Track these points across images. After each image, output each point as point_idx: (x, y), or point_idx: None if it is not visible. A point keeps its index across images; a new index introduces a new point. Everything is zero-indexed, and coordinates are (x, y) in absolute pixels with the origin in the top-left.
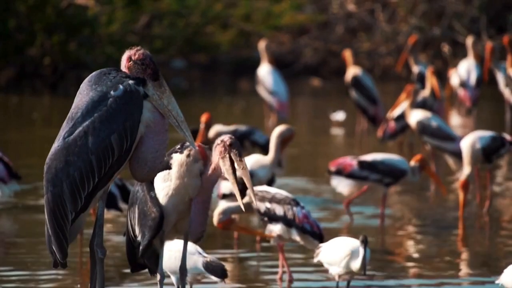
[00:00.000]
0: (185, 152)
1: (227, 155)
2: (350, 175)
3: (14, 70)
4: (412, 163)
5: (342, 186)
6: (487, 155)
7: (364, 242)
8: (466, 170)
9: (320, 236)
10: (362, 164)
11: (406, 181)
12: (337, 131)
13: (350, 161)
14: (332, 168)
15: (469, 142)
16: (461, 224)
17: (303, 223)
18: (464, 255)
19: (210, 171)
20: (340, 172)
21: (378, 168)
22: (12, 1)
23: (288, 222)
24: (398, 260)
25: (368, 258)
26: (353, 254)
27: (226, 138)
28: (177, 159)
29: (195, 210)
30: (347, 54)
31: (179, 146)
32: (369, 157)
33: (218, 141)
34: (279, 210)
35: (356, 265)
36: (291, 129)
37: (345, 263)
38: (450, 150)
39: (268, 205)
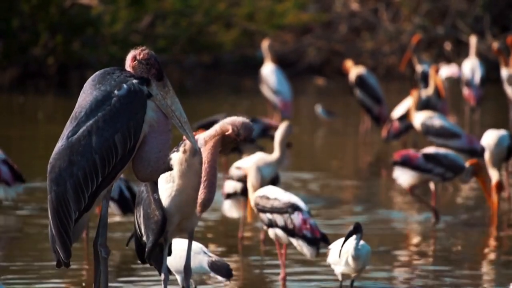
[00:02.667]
0: (180, 148)
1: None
2: (415, 167)
3: (17, 69)
4: (467, 164)
5: (405, 177)
6: (509, 153)
7: (353, 230)
8: (495, 173)
9: (323, 240)
10: (428, 157)
11: (458, 179)
12: (340, 131)
13: (415, 153)
14: (398, 158)
15: (493, 142)
16: (494, 225)
17: (303, 230)
18: (489, 257)
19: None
20: (405, 163)
21: (442, 162)
22: (15, 1)
23: (289, 232)
24: (414, 262)
25: (365, 251)
26: (363, 244)
27: (242, 133)
28: (176, 158)
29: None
30: (348, 64)
31: (176, 146)
32: (432, 150)
33: (233, 128)
34: (279, 220)
35: (349, 261)
36: (290, 125)
37: (345, 260)
38: (456, 147)
39: (269, 216)
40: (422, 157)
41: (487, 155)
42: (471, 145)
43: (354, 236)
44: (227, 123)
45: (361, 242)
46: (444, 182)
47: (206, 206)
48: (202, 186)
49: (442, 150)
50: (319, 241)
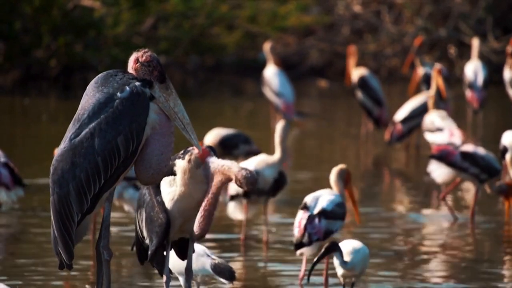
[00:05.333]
0: (186, 157)
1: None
2: (451, 164)
3: (20, 72)
4: (502, 182)
5: (439, 172)
6: None
7: (324, 251)
8: None
9: (301, 243)
10: (465, 155)
11: (488, 182)
12: (342, 133)
13: (453, 150)
14: (436, 152)
15: None
16: None
17: (295, 228)
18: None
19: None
20: (442, 158)
21: (479, 163)
22: (18, 3)
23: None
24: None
25: (358, 258)
26: (353, 249)
27: (244, 186)
28: (180, 165)
29: (205, 212)
30: (351, 57)
31: (182, 152)
32: (470, 148)
33: (236, 180)
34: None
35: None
36: (288, 124)
37: (346, 256)
38: (440, 141)
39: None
40: (460, 155)
41: (508, 156)
42: (450, 139)
43: (335, 256)
44: (233, 172)
45: (359, 245)
46: (480, 184)
47: (202, 236)
48: (200, 215)
49: (480, 151)
50: (298, 242)
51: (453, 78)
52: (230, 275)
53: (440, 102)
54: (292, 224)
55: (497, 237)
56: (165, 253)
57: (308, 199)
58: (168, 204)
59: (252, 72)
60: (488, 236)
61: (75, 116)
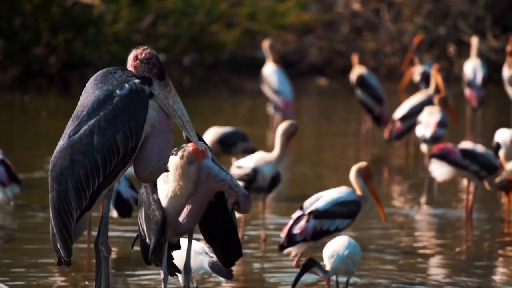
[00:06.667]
0: (179, 153)
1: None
2: (452, 162)
3: (19, 69)
4: (504, 178)
5: (440, 171)
6: None
7: (300, 272)
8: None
9: (282, 245)
10: (465, 153)
11: (488, 179)
12: (342, 131)
13: (453, 148)
14: (437, 151)
15: (509, 139)
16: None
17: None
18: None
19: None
20: (443, 157)
21: (478, 160)
22: (17, 0)
23: None
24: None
25: (342, 258)
26: (332, 253)
27: (240, 207)
28: (172, 161)
29: (190, 209)
30: (354, 58)
31: (176, 149)
32: (469, 145)
33: (235, 200)
34: None
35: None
36: (295, 124)
37: (327, 261)
38: (417, 133)
39: None
40: (460, 153)
41: (502, 152)
42: (423, 131)
43: (315, 271)
44: (236, 196)
45: (343, 245)
46: (480, 181)
47: (184, 232)
48: (185, 212)
49: (479, 148)
50: (282, 244)
51: (452, 77)
52: (228, 274)
53: None
54: None
55: (496, 234)
56: (162, 250)
57: (310, 198)
58: (163, 201)
59: (251, 70)
60: (486, 233)
61: (74, 113)
